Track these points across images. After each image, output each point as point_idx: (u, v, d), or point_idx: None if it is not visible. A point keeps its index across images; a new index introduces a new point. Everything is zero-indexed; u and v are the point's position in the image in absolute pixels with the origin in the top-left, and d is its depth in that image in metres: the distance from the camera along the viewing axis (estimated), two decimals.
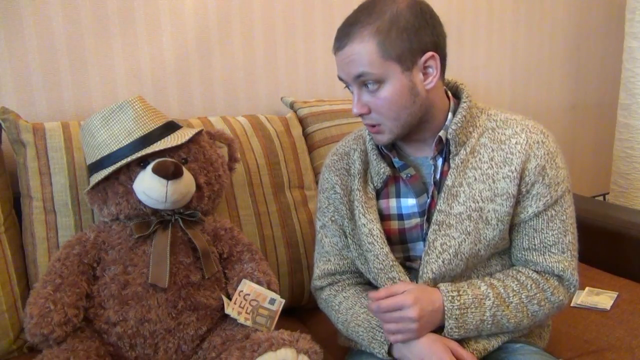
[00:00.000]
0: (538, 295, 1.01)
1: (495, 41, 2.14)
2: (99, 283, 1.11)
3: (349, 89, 1.01)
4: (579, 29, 2.31)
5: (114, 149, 1.12)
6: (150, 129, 1.13)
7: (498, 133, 1.03)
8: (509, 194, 1.00)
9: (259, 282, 1.16)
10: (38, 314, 1.03)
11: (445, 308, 0.97)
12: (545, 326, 1.13)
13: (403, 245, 1.08)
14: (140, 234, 1.12)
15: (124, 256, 1.12)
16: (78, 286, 1.09)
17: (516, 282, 1.02)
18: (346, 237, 1.12)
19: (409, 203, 1.06)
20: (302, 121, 1.62)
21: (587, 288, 1.44)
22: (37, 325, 1.02)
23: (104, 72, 1.52)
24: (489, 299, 0.99)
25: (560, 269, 1.02)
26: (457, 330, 0.98)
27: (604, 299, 1.38)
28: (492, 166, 1.01)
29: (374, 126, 1.01)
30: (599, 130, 2.45)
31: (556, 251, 1.03)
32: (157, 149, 1.11)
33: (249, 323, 1.12)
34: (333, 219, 1.14)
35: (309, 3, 1.75)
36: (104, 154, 1.13)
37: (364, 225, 1.06)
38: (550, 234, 1.03)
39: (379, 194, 1.09)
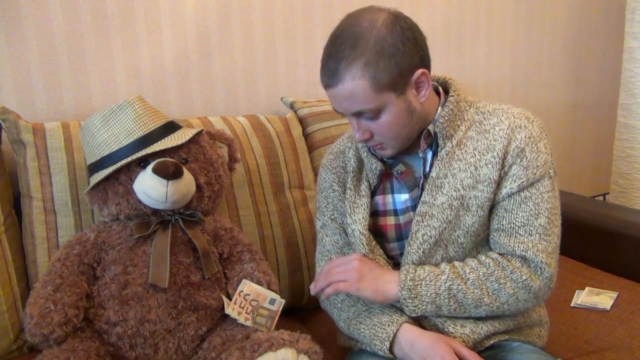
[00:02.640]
0: (497, 272, 1.00)
1: (495, 41, 2.14)
2: (99, 283, 1.11)
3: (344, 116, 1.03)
4: (579, 29, 2.31)
5: (114, 149, 1.12)
6: (151, 129, 1.14)
7: (484, 124, 1.04)
8: (491, 179, 1.01)
9: (259, 282, 1.16)
10: (38, 314, 1.03)
11: (400, 279, 1.01)
12: (543, 324, 1.13)
13: (399, 242, 1.09)
14: (141, 234, 1.12)
15: (124, 256, 1.12)
16: (78, 286, 1.09)
17: (476, 261, 1.02)
18: (347, 234, 1.13)
19: (402, 198, 1.08)
20: (302, 121, 1.62)
21: (587, 288, 1.44)
22: (37, 325, 1.02)
23: (104, 72, 1.52)
24: (445, 274, 1.01)
25: (522, 249, 1.00)
26: (411, 302, 1.00)
27: (604, 299, 1.38)
28: (475, 154, 1.02)
29: (376, 145, 1.04)
30: (599, 130, 2.45)
31: (523, 233, 1.01)
32: (157, 149, 1.11)
33: (249, 323, 1.12)
34: (332, 217, 1.14)
35: (309, 3, 1.76)
36: (104, 154, 1.13)
37: (349, 225, 1.09)
38: (520, 215, 1.01)
39: (376, 190, 1.10)
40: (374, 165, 1.08)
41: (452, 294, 1.00)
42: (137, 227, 1.13)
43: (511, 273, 1.00)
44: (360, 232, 1.06)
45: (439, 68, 2.03)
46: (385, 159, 1.08)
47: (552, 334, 1.16)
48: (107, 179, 1.13)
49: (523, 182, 1.01)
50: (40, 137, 1.28)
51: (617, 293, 1.40)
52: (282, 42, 1.74)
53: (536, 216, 1.01)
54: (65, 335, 1.05)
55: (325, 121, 1.61)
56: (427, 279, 1.00)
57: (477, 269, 1.01)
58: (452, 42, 2.04)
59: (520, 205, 1.01)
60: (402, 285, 1.00)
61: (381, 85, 0.94)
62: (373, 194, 1.10)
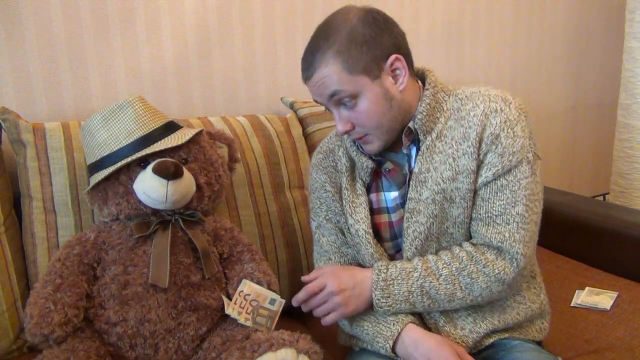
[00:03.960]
0: (469, 267, 0.99)
1: (495, 41, 2.14)
2: (99, 283, 1.11)
3: (328, 110, 1.04)
4: (579, 29, 2.31)
5: (114, 149, 1.12)
6: (151, 129, 1.14)
7: (461, 110, 1.02)
8: (469, 169, 1.00)
9: (259, 282, 1.16)
10: (38, 314, 1.03)
11: (372, 280, 1.01)
12: (545, 315, 1.12)
13: (393, 241, 1.09)
14: (141, 234, 1.12)
15: (124, 256, 1.12)
16: (78, 286, 1.09)
17: (449, 255, 1.01)
18: (343, 234, 1.13)
19: (392, 196, 1.08)
20: (302, 121, 1.62)
21: (587, 288, 1.44)
22: (37, 325, 1.02)
23: (104, 72, 1.52)
24: (417, 271, 1.01)
25: (499, 240, 0.98)
26: (384, 301, 1.01)
27: (604, 299, 1.38)
28: (453, 145, 1.01)
29: (361, 138, 1.04)
30: (599, 130, 2.45)
31: (501, 222, 0.99)
32: (157, 149, 1.11)
33: (249, 323, 1.12)
34: (327, 217, 1.14)
35: (309, 3, 1.76)
36: (104, 154, 1.13)
37: (352, 225, 1.08)
38: (497, 203, 0.99)
39: (370, 188, 1.10)
40: (364, 163, 1.08)
41: (424, 292, 1.00)
42: (137, 227, 1.13)
43: (484, 267, 0.99)
44: (365, 231, 1.06)
45: (439, 68, 2.03)
46: (374, 157, 1.08)
47: (552, 333, 1.16)
48: (107, 179, 1.13)
49: (498, 169, 0.99)
50: (40, 137, 1.28)
51: (617, 293, 1.40)
52: (282, 42, 1.74)
53: (513, 204, 0.99)
54: (65, 335, 1.05)
55: (325, 121, 1.61)
56: (399, 277, 1.01)
57: (450, 264, 1.00)
58: (452, 42, 2.04)
59: (497, 193, 0.99)
60: (375, 286, 1.01)
61: (354, 69, 0.96)
62: (367, 192, 1.10)
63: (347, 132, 1.02)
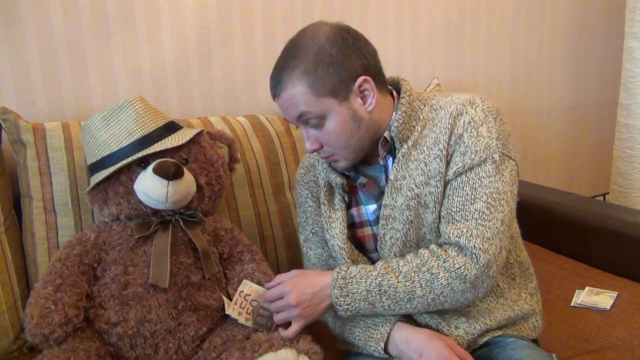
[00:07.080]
0: (430, 262, 0.97)
1: (495, 41, 2.14)
2: (100, 283, 1.11)
3: (297, 126, 1.04)
4: (579, 29, 2.31)
5: (115, 149, 1.12)
6: (151, 129, 1.14)
7: (435, 120, 1.02)
8: (441, 173, 0.99)
9: (259, 283, 1.16)
10: (38, 314, 1.03)
11: (332, 278, 1.00)
12: (536, 313, 1.12)
13: (379, 252, 1.08)
14: (141, 234, 1.12)
15: (125, 256, 1.12)
16: (78, 286, 1.09)
17: (412, 254, 1.00)
18: (329, 247, 1.13)
19: (371, 209, 1.08)
20: None
21: (587, 288, 1.44)
22: (37, 325, 1.02)
23: (104, 72, 1.52)
24: (376, 270, 0.99)
25: (456, 235, 0.96)
26: (343, 300, 0.99)
27: (604, 299, 1.38)
28: (425, 150, 1.01)
29: (328, 157, 1.04)
30: (599, 130, 2.45)
31: (459, 218, 0.97)
32: (157, 150, 1.11)
33: (249, 323, 1.12)
34: (313, 231, 1.16)
35: (309, 3, 1.76)
36: (105, 154, 1.13)
37: (328, 240, 1.09)
38: (456, 200, 0.98)
39: (351, 202, 1.11)
40: (334, 180, 1.08)
41: (382, 290, 0.98)
42: (138, 228, 1.13)
43: (444, 262, 0.96)
44: (339, 246, 1.07)
45: (439, 68, 2.03)
46: (346, 172, 1.08)
47: (552, 332, 1.16)
48: (107, 179, 1.13)
49: (459, 167, 0.98)
50: (40, 137, 1.28)
51: (617, 293, 1.40)
52: (282, 42, 1.71)
53: (472, 201, 0.97)
54: (66, 335, 1.05)
55: None
56: (358, 276, 0.99)
57: (411, 261, 0.99)
58: (452, 42, 2.04)
59: (457, 190, 0.99)
60: (334, 284, 1.00)
61: (320, 90, 0.96)
62: (349, 206, 1.10)
63: (315, 151, 1.03)
